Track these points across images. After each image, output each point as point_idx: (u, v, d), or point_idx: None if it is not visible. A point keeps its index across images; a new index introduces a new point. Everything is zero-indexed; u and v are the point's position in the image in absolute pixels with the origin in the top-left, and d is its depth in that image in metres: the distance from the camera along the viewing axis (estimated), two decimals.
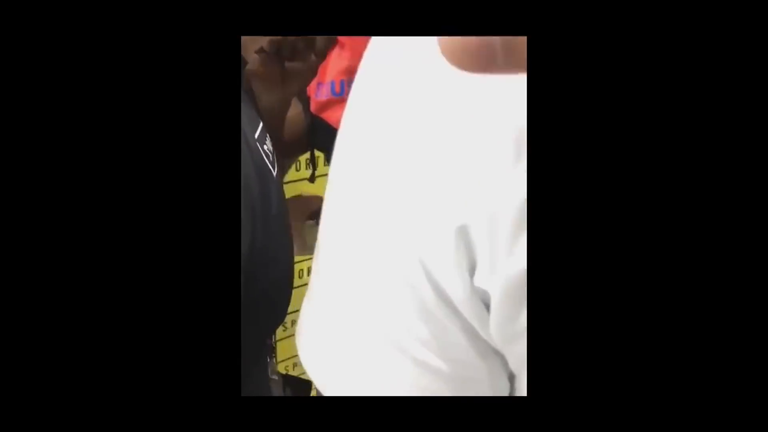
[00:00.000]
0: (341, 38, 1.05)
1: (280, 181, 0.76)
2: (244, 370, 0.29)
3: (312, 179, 1.17)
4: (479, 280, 0.25)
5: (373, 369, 0.28)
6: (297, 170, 1.43)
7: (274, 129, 0.86)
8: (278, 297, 0.70)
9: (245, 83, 0.80)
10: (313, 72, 0.90)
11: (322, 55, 0.88)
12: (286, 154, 1.05)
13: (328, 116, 1.08)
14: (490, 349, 0.27)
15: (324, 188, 0.32)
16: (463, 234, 0.25)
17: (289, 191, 1.31)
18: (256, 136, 0.67)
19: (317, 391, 0.30)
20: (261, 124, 0.70)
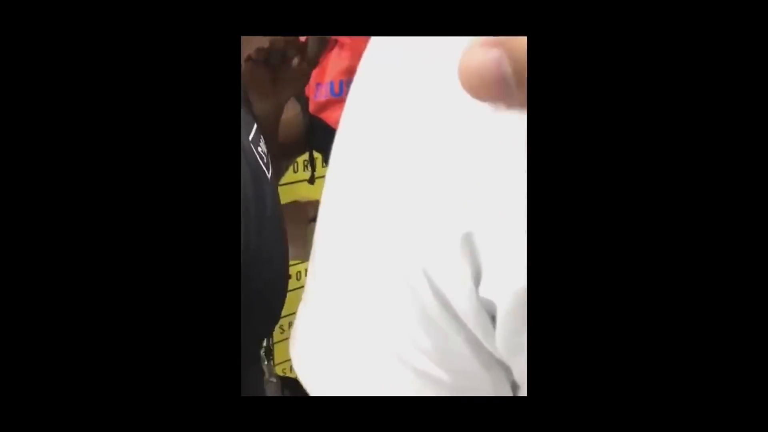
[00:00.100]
0: (341, 39, 1.05)
1: (274, 183, 0.76)
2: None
3: (311, 181, 1.16)
4: (485, 291, 0.24)
5: (372, 379, 0.27)
6: (295, 172, 1.43)
7: (268, 134, 0.86)
8: (272, 298, 0.70)
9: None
10: (305, 78, 0.90)
11: (314, 62, 0.88)
12: (283, 156, 1.05)
13: (326, 116, 1.07)
14: (494, 360, 0.26)
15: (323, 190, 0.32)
16: (468, 242, 0.24)
17: (288, 193, 1.31)
18: (250, 138, 0.66)
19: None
20: (255, 126, 0.70)
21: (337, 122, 0.32)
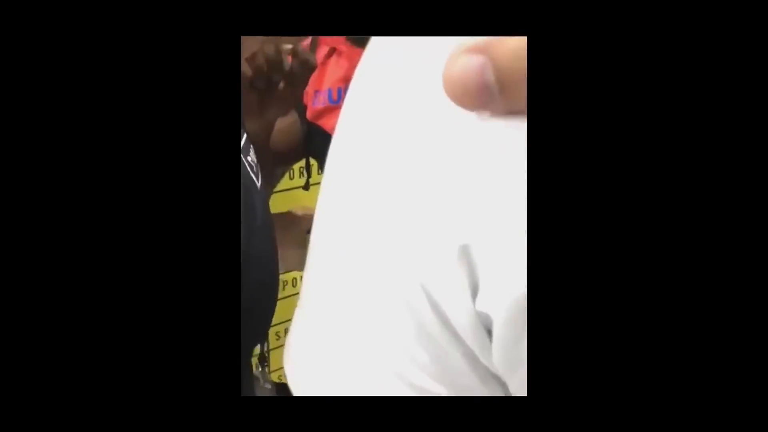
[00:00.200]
0: (339, 46, 1.06)
1: (266, 193, 0.76)
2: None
3: (306, 187, 1.16)
4: (481, 304, 0.24)
5: (367, 394, 0.27)
6: (291, 178, 1.43)
7: (259, 148, 0.86)
8: (263, 306, 0.70)
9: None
10: (292, 100, 0.90)
11: (302, 83, 0.88)
12: (279, 164, 1.05)
13: (324, 123, 1.08)
14: (490, 375, 0.26)
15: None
16: (466, 254, 0.24)
17: (283, 200, 1.32)
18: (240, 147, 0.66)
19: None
20: (245, 136, 0.69)
21: (334, 129, 0.32)
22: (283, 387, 1.09)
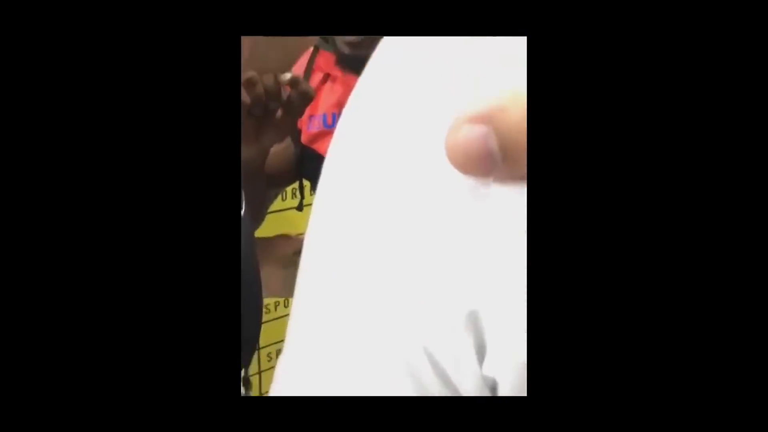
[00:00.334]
0: (333, 72, 1.08)
1: (249, 219, 0.76)
2: None
3: (300, 208, 1.19)
4: (488, 369, 0.23)
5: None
6: (283, 200, 1.44)
7: (252, 176, 0.88)
8: (247, 332, 0.70)
9: None
10: (288, 128, 0.91)
11: (299, 113, 0.89)
12: (273, 186, 1.07)
13: (318, 147, 1.11)
14: None
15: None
16: (474, 320, 0.23)
17: (276, 221, 1.34)
18: None
19: None
20: None
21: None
22: None
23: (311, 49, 1.08)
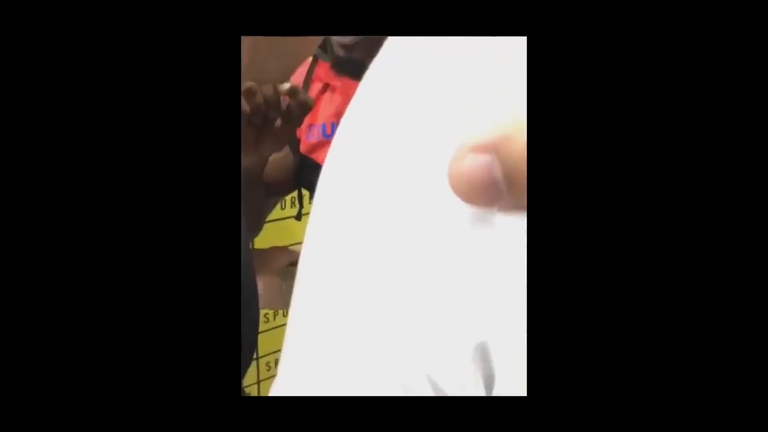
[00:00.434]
0: (332, 82, 1.09)
1: (246, 232, 0.77)
2: None
3: (298, 217, 1.20)
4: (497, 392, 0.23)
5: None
6: (282, 208, 1.45)
7: (251, 184, 0.89)
8: (244, 342, 0.71)
9: None
10: (287, 137, 0.92)
11: (298, 123, 0.90)
12: (271, 195, 1.08)
13: (317, 156, 1.12)
14: None
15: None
16: (483, 351, 0.22)
17: (274, 229, 1.35)
18: None
19: None
20: None
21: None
22: None
23: (310, 59, 1.09)
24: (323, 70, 1.11)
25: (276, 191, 1.14)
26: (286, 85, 0.87)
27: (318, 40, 0.91)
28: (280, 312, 1.54)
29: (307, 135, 1.13)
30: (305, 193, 1.17)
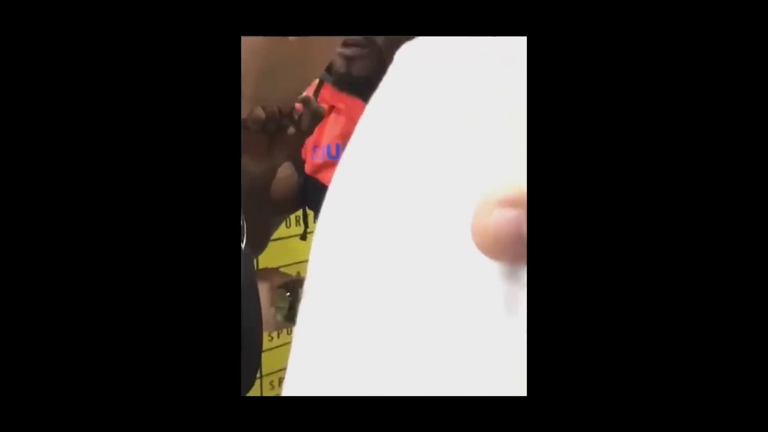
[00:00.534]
0: (337, 104, 1.11)
1: (249, 253, 0.78)
2: None
3: (303, 237, 1.21)
4: None
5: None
6: (287, 227, 1.47)
7: (260, 194, 0.91)
8: (246, 365, 0.72)
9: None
10: (298, 146, 0.95)
11: (309, 131, 0.92)
12: (276, 213, 1.10)
13: (322, 177, 1.14)
14: None
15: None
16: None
17: (279, 248, 1.36)
18: None
19: None
20: None
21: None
22: None
23: (316, 81, 1.10)
24: (328, 92, 1.13)
25: (282, 209, 1.16)
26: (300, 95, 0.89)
27: (324, 62, 0.93)
28: (284, 330, 1.54)
29: (312, 156, 1.15)
30: (310, 212, 1.19)
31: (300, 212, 1.21)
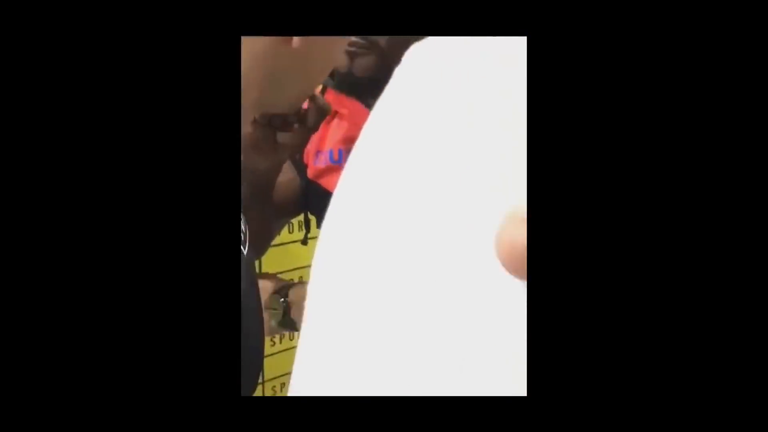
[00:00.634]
0: (340, 110, 1.12)
1: (250, 259, 0.79)
2: None
3: (305, 242, 1.22)
4: None
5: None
6: (290, 232, 1.47)
7: (264, 191, 0.92)
8: (247, 371, 0.72)
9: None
10: (303, 142, 0.96)
11: (315, 128, 0.93)
12: (278, 216, 1.11)
13: (325, 182, 1.14)
14: None
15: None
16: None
17: (281, 253, 1.36)
18: None
19: None
20: None
21: (334, 187, 0.30)
22: None
23: (320, 87, 1.11)
24: (331, 97, 1.13)
25: (283, 213, 1.16)
26: None
27: (327, 69, 0.93)
28: (287, 335, 1.55)
29: (315, 161, 1.16)
30: (312, 218, 1.20)
31: (302, 217, 1.21)
